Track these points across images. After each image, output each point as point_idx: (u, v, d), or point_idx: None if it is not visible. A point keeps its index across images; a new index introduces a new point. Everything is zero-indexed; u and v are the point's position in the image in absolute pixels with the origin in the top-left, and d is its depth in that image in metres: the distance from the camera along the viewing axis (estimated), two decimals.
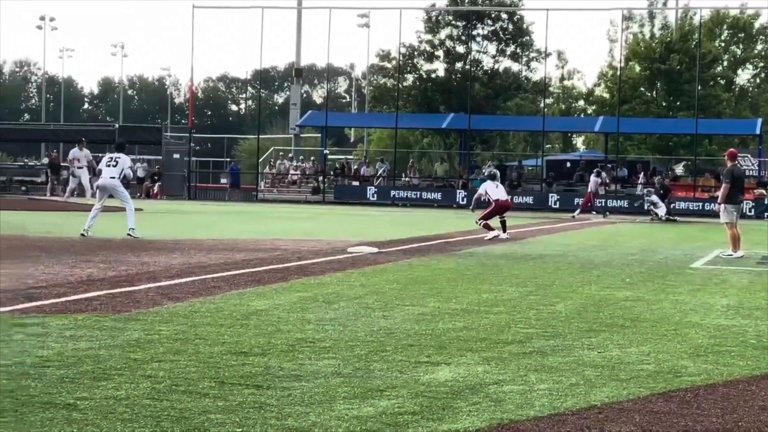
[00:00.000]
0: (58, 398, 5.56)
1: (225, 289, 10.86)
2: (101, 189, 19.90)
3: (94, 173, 36.36)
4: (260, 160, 55.41)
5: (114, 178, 19.70)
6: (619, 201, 45.75)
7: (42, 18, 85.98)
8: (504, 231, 22.44)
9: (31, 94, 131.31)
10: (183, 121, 64.40)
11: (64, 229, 21.01)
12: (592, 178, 40.41)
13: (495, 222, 22.34)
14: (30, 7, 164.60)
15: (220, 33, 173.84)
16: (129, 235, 18.76)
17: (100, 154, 35.52)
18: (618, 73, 57.12)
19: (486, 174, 25.84)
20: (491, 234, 21.82)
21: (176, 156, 53.33)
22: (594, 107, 66.07)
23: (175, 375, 6.25)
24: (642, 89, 61.99)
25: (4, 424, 4.99)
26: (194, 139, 60.70)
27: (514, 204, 44.82)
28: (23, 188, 49.89)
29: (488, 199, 23.09)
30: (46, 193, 44.43)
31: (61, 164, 47.59)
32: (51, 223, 23.45)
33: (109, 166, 19.71)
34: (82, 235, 18.75)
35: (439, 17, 63.23)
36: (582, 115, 69.20)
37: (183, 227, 24.13)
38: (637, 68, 62.40)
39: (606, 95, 64.48)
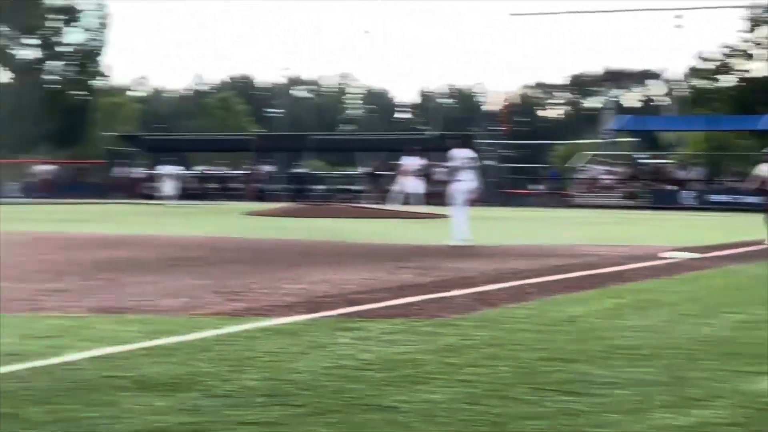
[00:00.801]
0: (379, 400, 5.74)
1: (539, 295, 10.87)
2: (466, 195, 18.99)
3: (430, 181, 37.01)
4: (573, 166, 55.08)
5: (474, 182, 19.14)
6: None
7: (366, 31, 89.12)
8: None
9: (351, 105, 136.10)
10: (496, 129, 64.94)
11: (383, 236, 21.65)
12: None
13: None
14: (352, 20, 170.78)
15: (534, 39, 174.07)
16: (461, 243, 18.33)
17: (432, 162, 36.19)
18: None
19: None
20: None
21: (489, 162, 53.86)
22: None
23: (490, 380, 6.31)
24: None
25: (330, 424, 5.22)
26: (507, 145, 61.06)
27: None
28: (345, 197, 51.81)
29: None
30: (367, 201, 45.94)
31: (382, 172, 49.18)
32: (370, 230, 24.21)
33: (466, 169, 18.95)
34: (468, 245, 18.13)
35: (760, 15, 60.77)
36: None
37: (496, 233, 24.31)
38: None
39: None
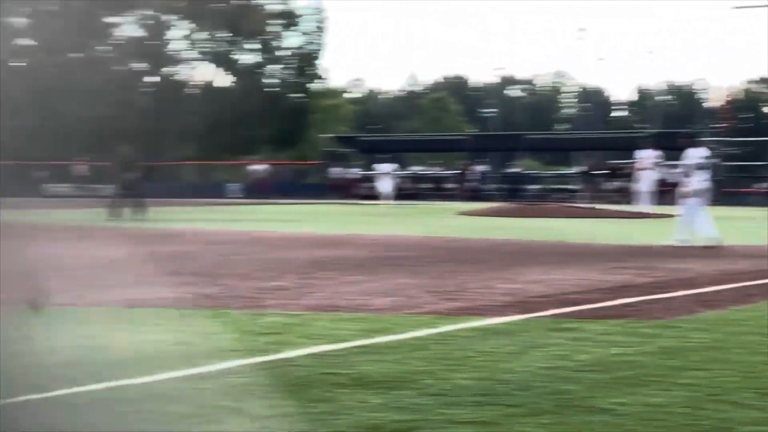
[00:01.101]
0: (596, 402, 5.64)
1: (765, 297, 10.46)
2: (701, 195, 18.42)
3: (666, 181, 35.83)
4: None
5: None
6: None
7: (581, 29, 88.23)
8: None
9: (565, 104, 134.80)
10: (717, 125, 63.12)
11: (599, 236, 21.32)
12: None
13: None
14: (567, 19, 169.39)
15: (759, 32, 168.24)
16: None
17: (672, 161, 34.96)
18: None
19: None
20: None
21: (712, 161, 52.25)
22: None
23: (712, 384, 6.11)
24: None
25: (545, 425, 5.15)
26: (729, 142, 59.21)
27: None
28: (560, 196, 51.22)
29: None
30: (582, 201, 45.32)
31: (597, 172, 48.45)
32: (585, 230, 23.87)
33: (702, 168, 18.46)
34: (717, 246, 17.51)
35: None
36: None
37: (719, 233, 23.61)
38: None
39: None
